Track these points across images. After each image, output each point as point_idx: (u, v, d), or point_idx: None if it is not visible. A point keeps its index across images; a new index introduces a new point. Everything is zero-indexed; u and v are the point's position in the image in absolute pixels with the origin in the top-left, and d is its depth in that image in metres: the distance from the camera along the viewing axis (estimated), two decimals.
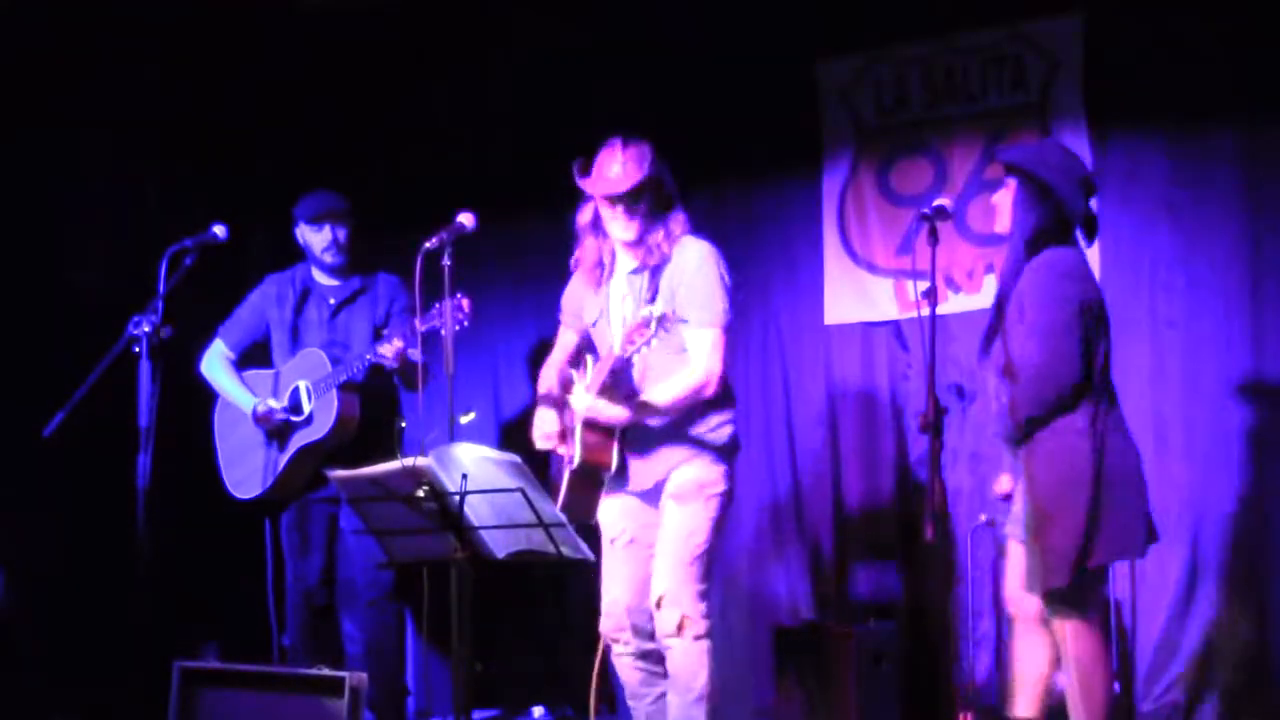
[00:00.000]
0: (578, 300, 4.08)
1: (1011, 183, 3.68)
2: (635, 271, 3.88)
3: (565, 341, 4.17)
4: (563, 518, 3.37)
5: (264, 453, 4.69)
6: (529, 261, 5.80)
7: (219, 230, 4.16)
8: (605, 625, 3.94)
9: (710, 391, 3.76)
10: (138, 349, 3.96)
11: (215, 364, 4.85)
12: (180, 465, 4.30)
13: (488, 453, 3.45)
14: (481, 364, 5.90)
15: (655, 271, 3.82)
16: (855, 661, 4.61)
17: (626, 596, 3.90)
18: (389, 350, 4.35)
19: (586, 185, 3.82)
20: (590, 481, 3.86)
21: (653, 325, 3.42)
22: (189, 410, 4.90)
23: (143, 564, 3.91)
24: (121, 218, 5.42)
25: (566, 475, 3.85)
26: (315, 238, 4.77)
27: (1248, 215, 4.63)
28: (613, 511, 3.93)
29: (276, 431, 4.66)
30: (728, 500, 3.86)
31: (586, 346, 4.11)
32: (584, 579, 5.62)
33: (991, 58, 5.02)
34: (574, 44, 5.68)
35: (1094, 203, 3.69)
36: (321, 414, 4.57)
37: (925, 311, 3.61)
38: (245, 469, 4.75)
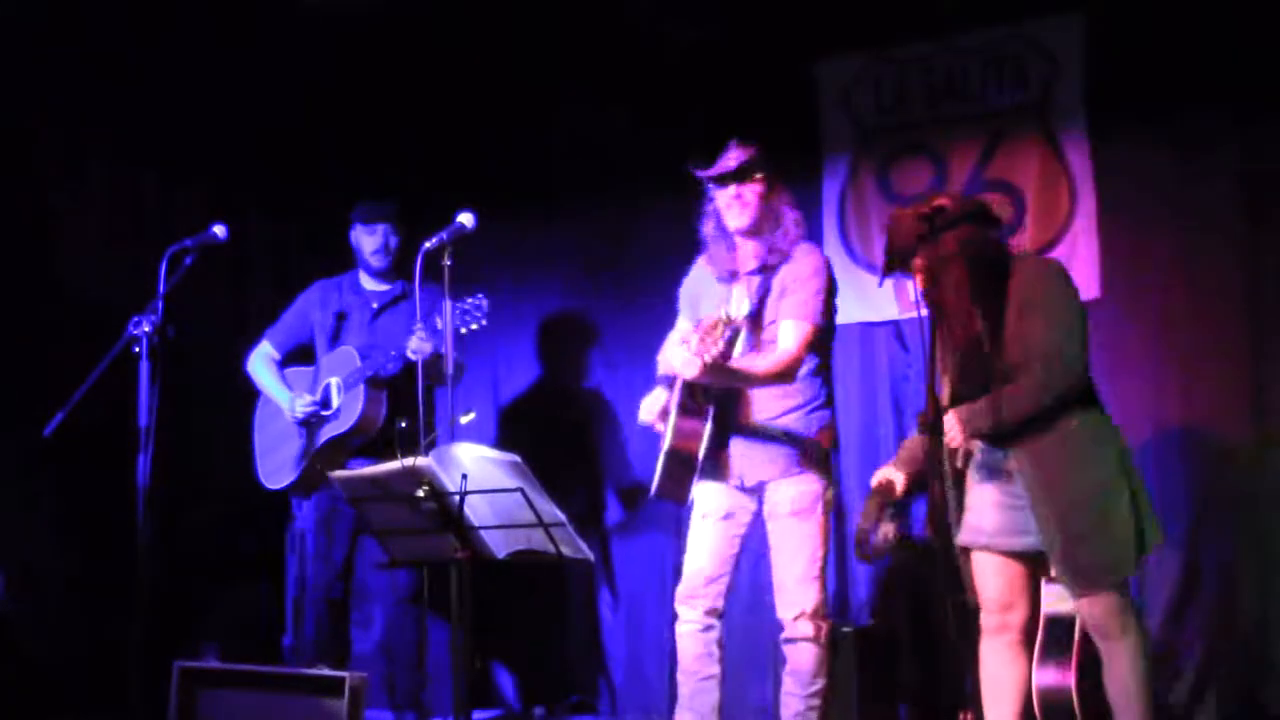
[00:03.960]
0: (695, 291, 4.19)
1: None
2: (752, 273, 4.03)
3: (680, 327, 4.23)
4: (563, 517, 3.37)
5: (295, 445, 4.87)
6: (529, 261, 5.81)
7: (219, 230, 4.17)
8: (680, 591, 4.05)
9: (790, 376, 3.91)
10: (138, 349, 3.96)
11: (259, 362, 5.05)
12: (180, 465, 4.30)
13: (488, 453, 3.46)
14: (481, 364, 5.90)
15: (772, 272, 3.99)
16: (855, 661, 4.61)
17: (710, 567, 4.02)
18: (414, 343, 4.45)
19: (701, 172, 4.02)
20: (683, 466, 3.96)
21: (721, 328, 3.57)
22: (189, 410, 4.91)
23: (143, 564, 3.91)
24: (121, 218, 5.42)
25: (660, 459, 3.97)
26: (368, 240, 4.94)
27: (1247, 216, 4.63)
28: (708, 490, 4.05)
29: (308, 425, 4.83)
30: (834, 503, 4.09)
31: None
32: (584, 579, 5.66)
33: (991, 58, 5.02)
34: (576, 44, 5.68)
35: None
36: (348, 408, 4.75)
37: (925, 311, 3.61)
38: (277, 460, 4.94)
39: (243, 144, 5.77)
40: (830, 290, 4.03)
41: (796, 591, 3.93)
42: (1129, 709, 3.47)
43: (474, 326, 4.16)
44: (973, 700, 3.67)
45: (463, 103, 5.94)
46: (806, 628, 3.92)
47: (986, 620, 3.63)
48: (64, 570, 4.98)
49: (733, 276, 4.07)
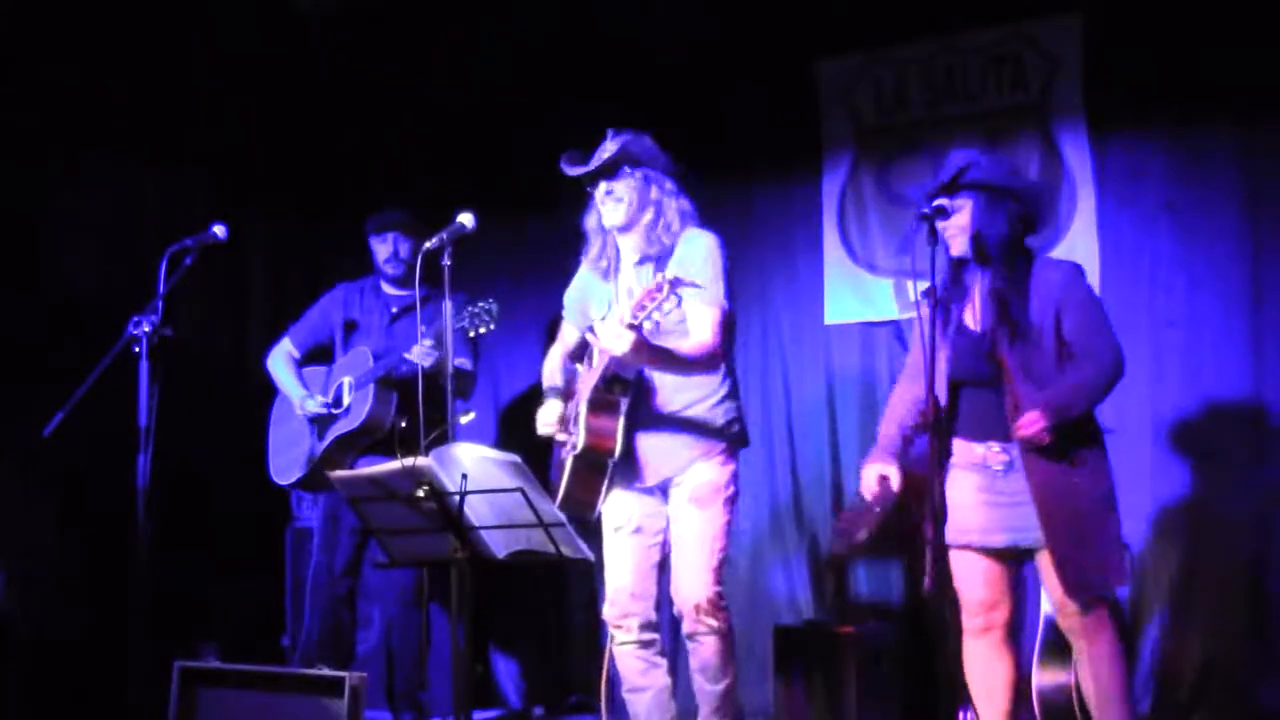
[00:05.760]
0: (582, 296, 4.08)
1: (966, 203, 3.61)
2: (639, 264, 3.90)
3: (567, 335, 4.16)
4: (563, 517, 3.36)
5: (307, 442, 4.96)
6: (529, 261, 5.81)
7: (219, 230, 4.17)
8: (609, 612, 3.95)
9: (713, 365, 3.77)
10: (138, 349, 3.96)
11: (278, 360, 5.13)
12: (180, 465, 4.30)
13: (488, 453, 3.45)
14: (482, 364, 5.88)
15: (659, 262, 3.82)
16: (855, 661, 4.61)
17: (630, 583, 3.91)
18: (417, 351, 4.52)
19: (570, 170, 3.89)
20: (594, 470, 3.81)
21: (665, 289, 3.39)
22: (189, 410, 4.90)
23: (143, 564, 3.91)
24: (121, 218, 5.42)
25: (569, 463, 3.80)
26: (380, 249, 5.06)
27: (1248, 215, 4.63)
28: (617, 502, 3.92)
29: (319, 422, 4.93)
30: (736, 501, 3.90)
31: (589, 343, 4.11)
32: (584, 579, 5.66)
33: (991, 58, 5.02)
34: (575, 44, 5.68)
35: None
36: (358, 406, 4.85)
37: (925, 311, 3.61)
38: (288, 457, 5.03)
39: (243, 145, 5.77)
40: (730, 272, 3.82)
41: (692, 582, 3.78)
42: (1110, 709, 3.49)
43: (483, 330, 4.21)
44: (973, 700, 3.67)
45: (462, 102, 5.94)
46: (707, 620, 3.79)
47: (970, 621, 3.64)
48: (64, 570, 4.98)
49: (613, 273, 3.94)
